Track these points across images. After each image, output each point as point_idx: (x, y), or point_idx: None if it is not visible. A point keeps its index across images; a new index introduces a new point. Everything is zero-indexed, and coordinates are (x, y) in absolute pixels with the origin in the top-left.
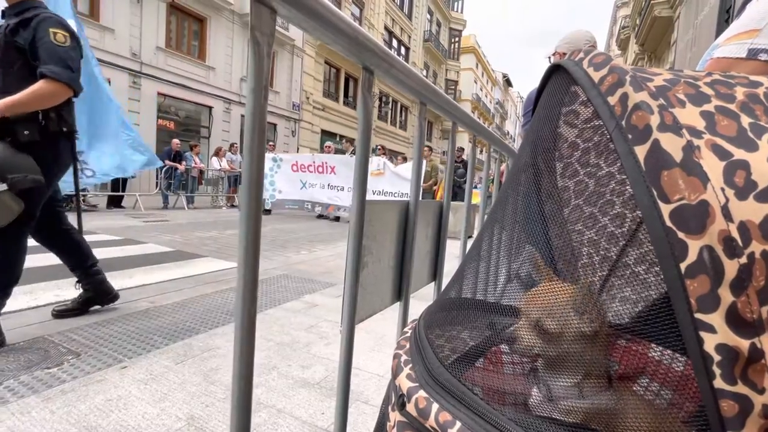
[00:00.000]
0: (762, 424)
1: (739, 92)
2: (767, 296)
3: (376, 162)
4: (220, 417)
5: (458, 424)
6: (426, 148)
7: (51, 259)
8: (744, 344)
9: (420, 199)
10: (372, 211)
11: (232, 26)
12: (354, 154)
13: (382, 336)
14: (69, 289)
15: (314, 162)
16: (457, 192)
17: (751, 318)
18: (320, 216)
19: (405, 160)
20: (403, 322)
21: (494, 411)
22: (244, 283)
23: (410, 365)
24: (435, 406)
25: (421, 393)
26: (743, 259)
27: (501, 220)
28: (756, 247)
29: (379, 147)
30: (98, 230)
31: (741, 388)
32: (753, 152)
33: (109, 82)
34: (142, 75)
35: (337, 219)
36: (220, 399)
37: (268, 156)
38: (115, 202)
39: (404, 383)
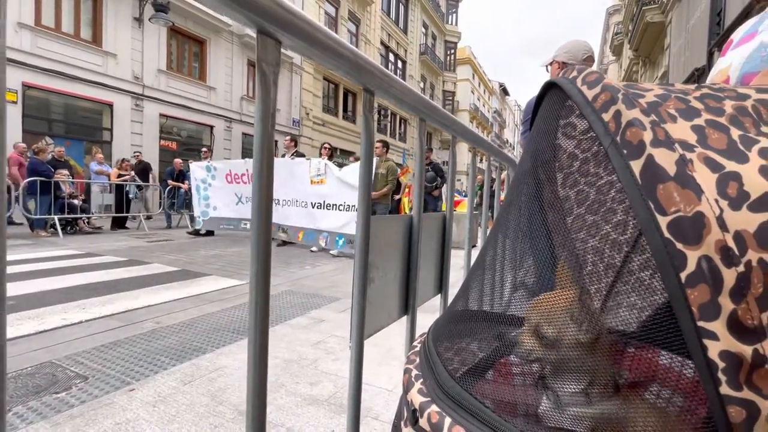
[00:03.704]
0: None
1: (728, 105)
2: (766, 303)
3: (315, 166)
4: None
5: None
6: (379, 144)
7: (57, 283)
8: (747, 350)
9: (370, 209)
10: (377, 226)
11: (231, 47)
12: (295, 156)
13: (389, 350)
14: (76, 313)
15: (248, 170)
16: (427, 201)
17: (752, 324)
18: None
19: (358, 160)
20: (411, 335)
21: (506, 423)
22: (257, 303)
23: (421, 380)
24: (448, 421)
25: (434, 407)
26: (741, 268)
27: (504, 231)
28: (752, 256)
29: (324, 145)
30: (103, 252)
31: (747, 394)
32: (744, 164)
33: (112, 106)
34: (145, 98)
35: (283, 243)
36: (229, 419)
37: (201, 164)
38: (119, 224)
39: (416, 398)
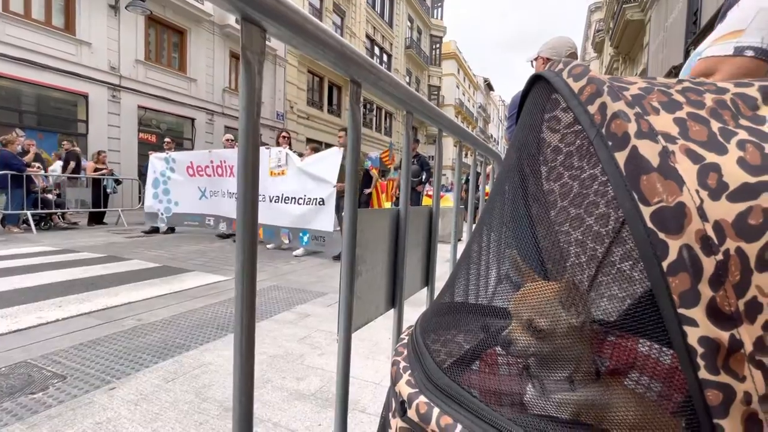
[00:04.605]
0: (744, 411)
1: (708, 99)
2: (743, 290)
3: (275, 156)
4: None
5: (459, 426)
6: (343, 133)
7: (31, 280)
8: (724, 336)
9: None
10: (363, 220)
11: (213, 37)
12: (266, 146)
13: (376, 343)
14: (53, 311)
15: (212, 162)
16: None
17: (730, 311)
18: (226, 236)
19: (316, 150)
20: (398, 328)
21: (493, 412)
22: (242, 298)
23: (409, 371)
24: (436, 411)
25: (422, 398)
26: (719, 256)
27: (490, 224)
28: (731, 244)
29: (282, 133)
30: (80, 248)
31: (724, 378)
32: (723, 155)
33: (87, 97)
34: (122, 89)
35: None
36: (214, 416)
37: (160, 156)
38: (96, 219)
39: (404, 389)
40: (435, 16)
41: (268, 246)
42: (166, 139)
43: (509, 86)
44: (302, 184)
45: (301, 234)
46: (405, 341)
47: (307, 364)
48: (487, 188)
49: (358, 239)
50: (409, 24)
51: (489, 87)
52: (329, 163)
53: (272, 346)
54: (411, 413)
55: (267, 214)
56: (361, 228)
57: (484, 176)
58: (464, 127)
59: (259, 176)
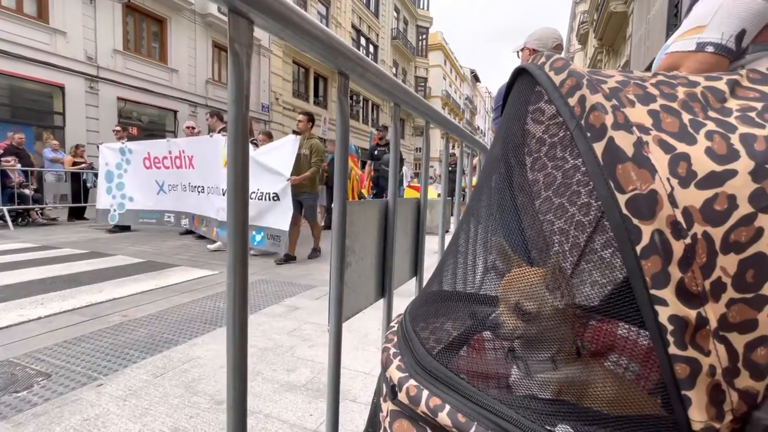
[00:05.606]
0: (709, 382)
1: (680, 91)
2: (709, 271)
3: (224, 144)
4: (206, 427)
5: (447, 407)
6: (303, 117)
7: (9, 278)
8: (692, 314)
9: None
10: (353, 211)
11: (194, 27)
12: (223, 132)
13: (365, 334)
14: (34, 308)
15: (170, 152)
16: (384, 186)
17: (697, 291)
18: (191, 232)
19: (270, 137)
20: (388, 317)
21: (480, 392)
22: (234, 291)
23: (399, 357)
24: (425, 393)
25: (411, 382)
26: (688, 240)
27: (477, 214)
28: (698, 229)
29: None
30: (60, 244)
31: (691, 352)
32: (693, 145)
33: (64, 88)
34: (100, 79)
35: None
36: (205, 409)
37: (114, 146)
38: (76, 214)
39: (395, 374)
40: (421, 7)
41: (209, 246)
42: (116, 128)
43: (496, 78)
44: (255, 177)
45: (254, 232)
46: (395, 329)
47: (297, 355)
48: (474, 179)
49: (348, 231)
50: (395, 14)
51: (476, 78)
52: (283, 152)
53: (262, 339)
54: (401, 396)
55: (222, 210)
56: (350, 219)
57: (470, 168)
58: (451, 118)
59: (212, 167)
